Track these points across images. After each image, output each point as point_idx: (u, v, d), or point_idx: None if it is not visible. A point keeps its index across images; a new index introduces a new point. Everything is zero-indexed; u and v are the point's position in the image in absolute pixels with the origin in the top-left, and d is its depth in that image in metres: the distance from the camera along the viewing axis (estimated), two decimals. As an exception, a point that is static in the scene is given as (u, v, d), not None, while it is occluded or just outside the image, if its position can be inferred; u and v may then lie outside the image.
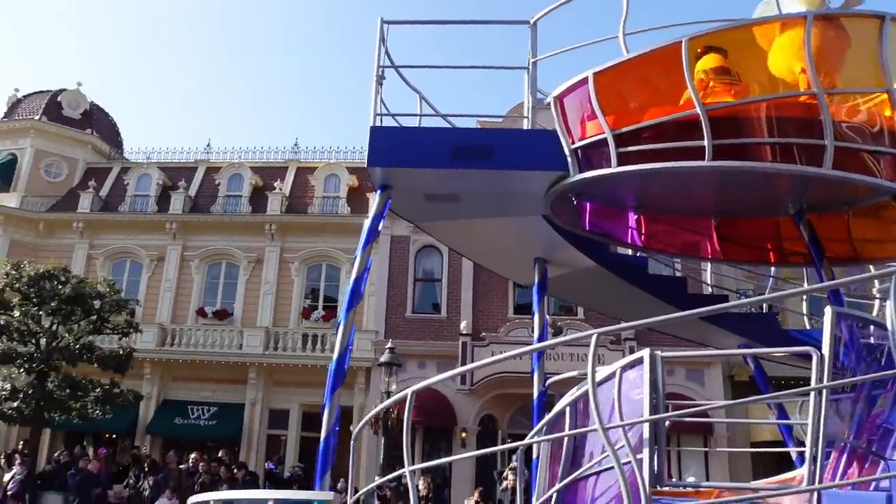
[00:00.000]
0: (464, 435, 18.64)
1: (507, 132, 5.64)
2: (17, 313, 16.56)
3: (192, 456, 15.88)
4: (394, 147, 5.17)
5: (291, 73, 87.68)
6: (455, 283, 20.19)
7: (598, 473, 3.84)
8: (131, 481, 15.32)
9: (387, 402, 4.65)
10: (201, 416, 20.34)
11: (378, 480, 7.44)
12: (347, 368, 4.98)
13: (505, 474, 13.99)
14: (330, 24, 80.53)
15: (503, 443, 19.02)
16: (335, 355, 4.83)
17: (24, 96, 27.25)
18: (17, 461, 15.00)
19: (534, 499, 4.85)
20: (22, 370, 16.24)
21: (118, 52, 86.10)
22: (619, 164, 4.36)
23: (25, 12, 79.90)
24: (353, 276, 5.05)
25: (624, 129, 4.39)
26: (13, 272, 16.66)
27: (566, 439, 4.07)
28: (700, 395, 17.24)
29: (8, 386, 16.06)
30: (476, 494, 13.59)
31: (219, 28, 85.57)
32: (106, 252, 23.23)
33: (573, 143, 4.70)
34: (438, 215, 5.89)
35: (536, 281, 6.22)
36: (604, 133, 4.40)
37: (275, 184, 23.26)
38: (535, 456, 5.38)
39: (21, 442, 17.89)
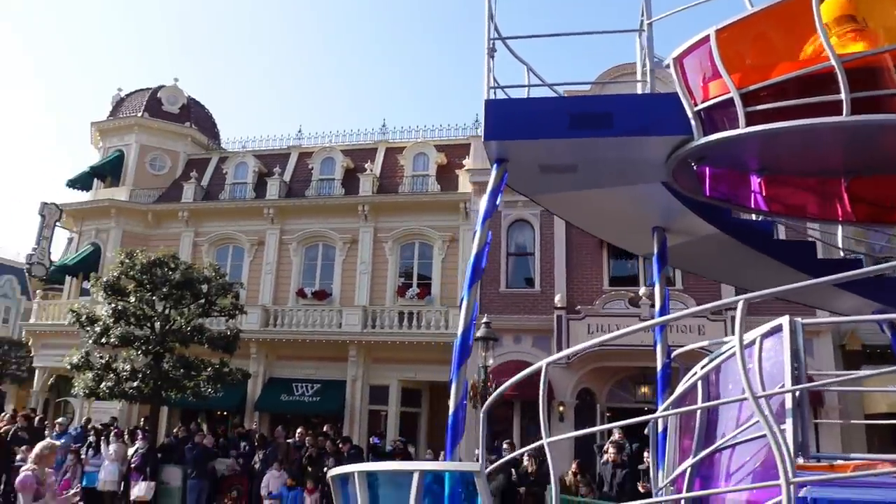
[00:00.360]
0: (561, 409, 18.53)
1: (627, 97, 5.41)
2: (132, 299, 17.48)
3: (298, 431, 16.41)
4: (510, 119, 5.06)
5: (377, 55, 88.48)
6: (548, 256, 20.02)
7: (733, 446, 3.75)
8: (239, 454, 15.96)
9: (521, 375, 4.60)
10: (305, 393, 21.00)
11: (516, 452, 7.36)
12: (470, 345, 4.98)
13: (605, 447, 13.85)
14: (414, 5, 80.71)
15: (602, 416, 18.81)
16: (460, 331, 4.84)
17: (127, 95, 28.55)
18: (140, 436, 15.85)
19: (661, 473, 4.77)
20: (140, 352, 17.13)
21: (211, 47, 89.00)
22: (748, 124, 4.15)
23: (127, 14, 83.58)
24: (474, 251, 5.02)
25: (751, 88, 4.16)
26: (127, 261, 17.56)
27: (699, 411, 3.98)
28: (809, 366, 16.52)
29: (128, 367, 16.96)
30: (574, 466, 13.51)
31: (305, 16, 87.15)
32: (210, 239, 24.23)
33: (696, 105, 4.52)
34: (554, 187, 5.77)
35: (655, 251, 6.04)
36: (729, 92, 4.19)
37: (365, 165, 23.59)
38: (659, 429, 5.28)
39: (142, 419, 18.93)
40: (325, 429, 16.99)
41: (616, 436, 14.52)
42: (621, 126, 4.75)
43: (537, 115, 5.03)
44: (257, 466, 15.26)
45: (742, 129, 4.18)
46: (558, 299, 18.92)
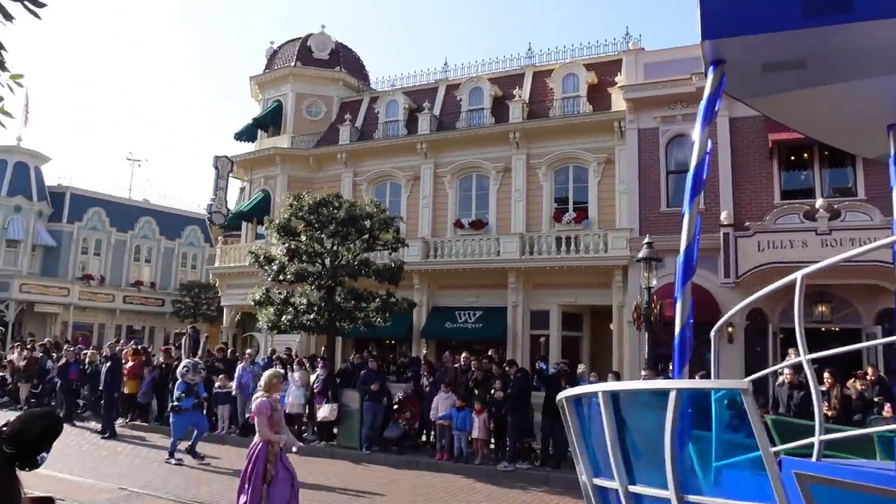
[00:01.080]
0: (730, 330, 17.80)
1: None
2: (303, 238, 18.46)
3: (463, 355, 16.88)
4: (730, 14, 4.61)
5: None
6: (712, 172, 18.86)
7: None
8: (406, 378, 16.71)
9: (773, 287, 4.38)
10: (468, 320, 21.54)
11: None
12: (694, 263, 4.75)
13: (781, 369, 13.22)
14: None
15: (774, 338, 17.87)
16: (682, 247, 4.60)
17: (279, 47, 29.74)
18: (320, 364, 16.98)
19: None
20: (313, 287, 18.17)
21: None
22: None
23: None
24: (693, 162, 4.73)
25: None
26: (295, 203, 18.50)
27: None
28: None
29: (304, 301, 18.08)
30: (643, 375, 13.11)
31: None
32: (368, 177, 25.07)
33: None
34: (776, 87, 5.17)
35: (892, 152, 5.36)
36: None
37: (514, 92, 23.24)
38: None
39: (322, 348, 20.27)
40: (489, 353, 17.37)
41: (792, 356, 13.84)
42: (863, 9, 4.18)
43: (763, 5, 4.52)
44: (427, 390, 15.91)
45: None
46: (724, 216, 17.96)
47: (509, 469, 13.59)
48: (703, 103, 4.81)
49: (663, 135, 19.49)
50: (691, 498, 3.93)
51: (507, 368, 15.15)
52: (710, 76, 4.76)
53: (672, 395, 3.94)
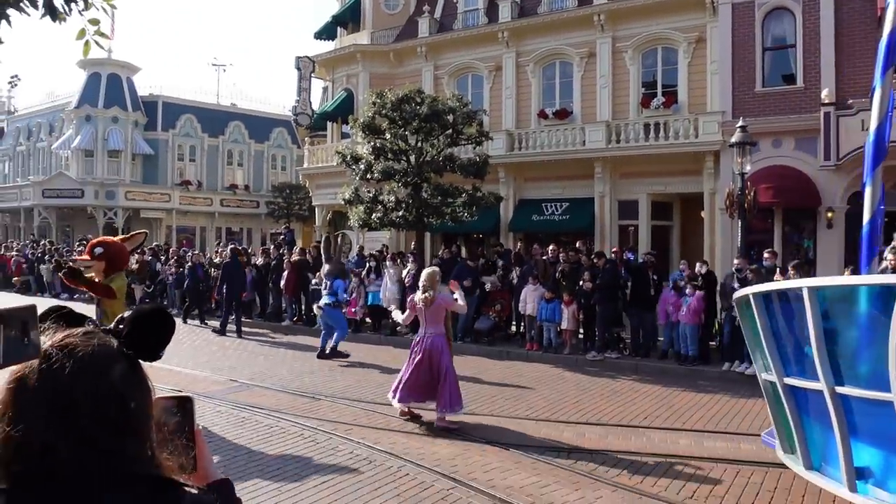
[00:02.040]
0: (830, 215, 17.12)
1: None
2: (388, 136, 18.65)
3: (551, 248, 16.98)
4: None
5: None
6: (812, 47, 17.71)
7: None
8: (500, 272, 17.01)
9: None
10: (555, 212, 21.45)
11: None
12: (887, 144, 4.34)
13: (884, 254, 12.74)
14: None
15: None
16: (873, 126, 4.30)
17: (353, -63, 28.86)
18: (411, 259, 17.49)
19: None
20: (400, 184, 18.48)
21: None
22: None
23: None
24: (887, 28, 4.35)
25: None
26: (378, 101, 18.52)
27: None
28: None
29: (392, 198, 18.47)
30: (847, 272, 12.68)
31: None
32: (449, 70, 24.65)
33: None
34: None
35: None
36: None
37: (597, -30, 22.07)
38: None
39: (412, 243, 20.80)
40: (577, 245, 17.40)
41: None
42: None
43: None
44: (515, 282, 16.20)
45: None
46: (825, 94, 16.90)
47: (598, 358, 13.91)
48: None
49: (759, 8, 18.21)
50: None
51: (595, 260, 15.19)
52: None
53: None
